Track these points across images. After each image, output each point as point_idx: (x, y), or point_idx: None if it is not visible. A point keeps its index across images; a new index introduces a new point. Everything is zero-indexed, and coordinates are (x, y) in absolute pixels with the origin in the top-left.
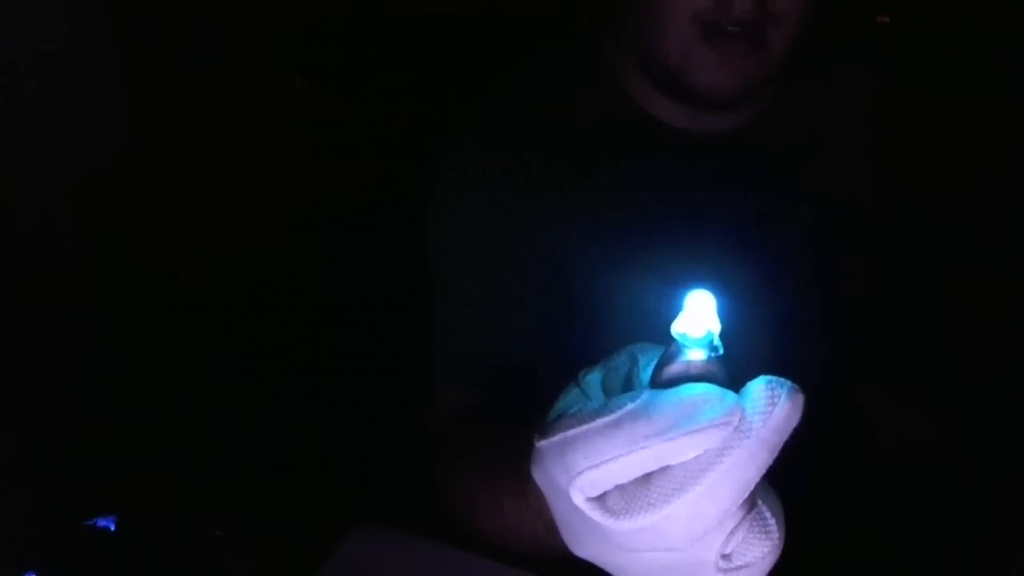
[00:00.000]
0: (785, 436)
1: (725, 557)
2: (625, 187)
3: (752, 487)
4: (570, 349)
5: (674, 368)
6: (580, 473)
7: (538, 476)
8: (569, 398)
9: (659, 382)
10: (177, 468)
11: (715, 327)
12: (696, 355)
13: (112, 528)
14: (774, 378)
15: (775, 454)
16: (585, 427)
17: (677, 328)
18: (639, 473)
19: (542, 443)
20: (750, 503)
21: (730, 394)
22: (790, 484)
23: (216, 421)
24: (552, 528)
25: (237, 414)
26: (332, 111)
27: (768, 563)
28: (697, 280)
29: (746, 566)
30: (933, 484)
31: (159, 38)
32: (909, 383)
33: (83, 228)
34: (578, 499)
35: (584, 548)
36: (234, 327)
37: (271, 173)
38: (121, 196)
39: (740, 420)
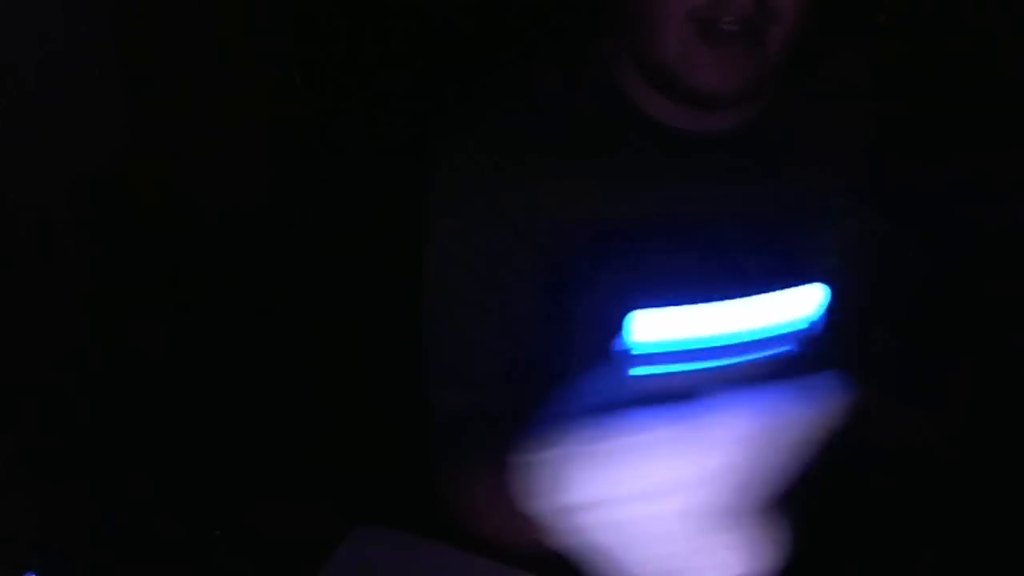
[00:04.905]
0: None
1: None
2: (624, 187)
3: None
4: (570, 349)
5: (619, 387)
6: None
7: (520, 486)
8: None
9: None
10: (177, 468)
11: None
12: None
13: (112, 528)
14: None
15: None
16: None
17: (620, 346)
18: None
19: (526, 457)
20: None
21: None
22: (789, 484)
23: (216, 421)
24: (530, 530)
25: (237, 414)
26: (331, 110)
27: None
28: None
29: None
30: (933, 484)
31: (159, 38)
32: (910, 383)
33: (83, 227)
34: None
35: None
36: (235, 325)
37: (271, 171)
38: (121, 196)
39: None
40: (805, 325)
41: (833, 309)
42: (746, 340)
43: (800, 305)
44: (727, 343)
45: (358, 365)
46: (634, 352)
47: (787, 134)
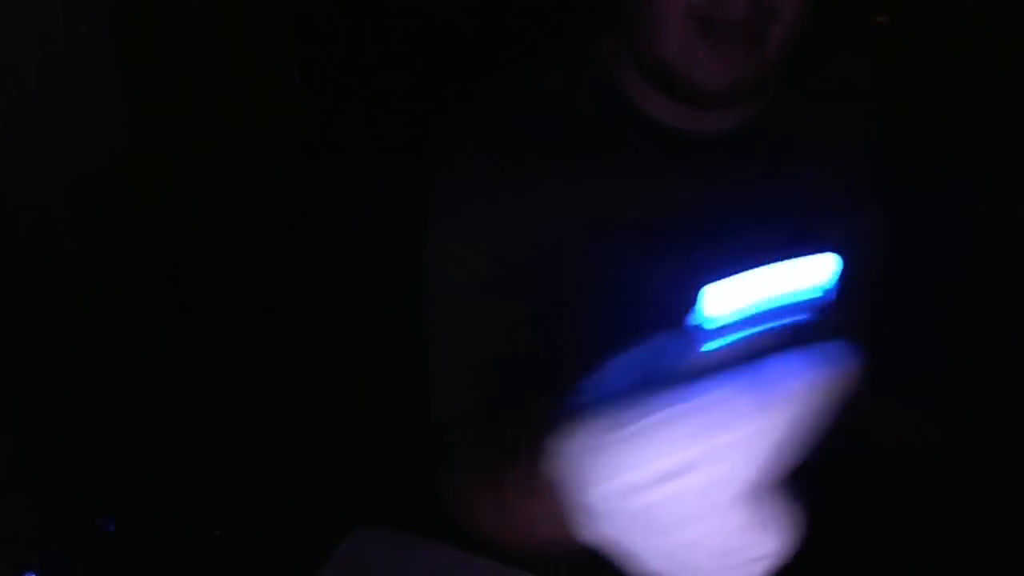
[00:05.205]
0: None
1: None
2: (624, 187)
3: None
4: (569, 348)
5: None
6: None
7: (565, 471)
8: (601, 389)
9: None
10: (176, 468)
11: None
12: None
13: (112, 528)
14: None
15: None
16: (620, 431)
17: (693, 321)
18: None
19: (576, 439)
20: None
21: (744, 384)
22: (789, 485)
23: (216, 420)
24: (557, 524)
25: (237, 414)
26: (331, 110)
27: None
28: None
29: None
30: (933, 484)
31: (159, 38)
32: (910, 383)
33: (83, 227)
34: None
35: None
36: (235, 326)
37: (271, 171)
38: (121, 196)
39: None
40: (820, 293)
41: (844, 279)
42: (778, 307)
43: (815, 273)
44: (776, 307)
45: (358, 365)
46: (706, 327)
47: (787, 134)
